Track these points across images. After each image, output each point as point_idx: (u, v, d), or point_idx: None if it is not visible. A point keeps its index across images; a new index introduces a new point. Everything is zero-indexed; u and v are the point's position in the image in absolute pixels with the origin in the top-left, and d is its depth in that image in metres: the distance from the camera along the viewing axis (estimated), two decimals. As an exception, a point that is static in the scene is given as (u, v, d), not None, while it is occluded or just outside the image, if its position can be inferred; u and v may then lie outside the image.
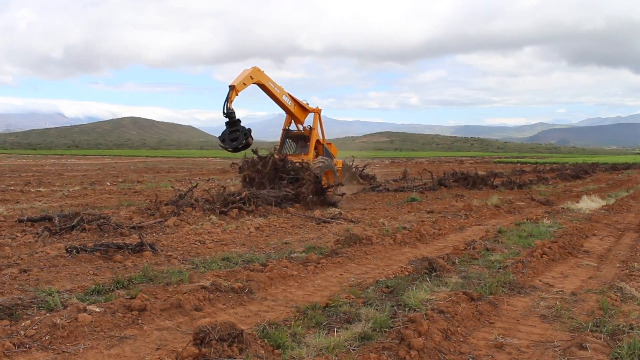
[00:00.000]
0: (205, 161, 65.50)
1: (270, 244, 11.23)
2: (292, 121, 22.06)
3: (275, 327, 5.85)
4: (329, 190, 18.85)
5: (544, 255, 9.71)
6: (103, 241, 10.36)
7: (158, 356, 5.14)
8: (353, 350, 5.35)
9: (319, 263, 9.14)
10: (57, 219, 12.50)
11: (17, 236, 11.47)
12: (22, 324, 5.75)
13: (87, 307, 6.20)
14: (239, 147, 17.98)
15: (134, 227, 12.19)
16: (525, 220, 14.85)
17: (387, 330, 5.86)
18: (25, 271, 8.40)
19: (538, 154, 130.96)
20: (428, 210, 17.19)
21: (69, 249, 9.54)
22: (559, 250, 10.29)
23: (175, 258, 9.67)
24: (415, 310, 6.46)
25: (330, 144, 23.51)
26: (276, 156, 19.04)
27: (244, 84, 18.05)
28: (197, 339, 5.03)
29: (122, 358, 5.25)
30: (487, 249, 10.50)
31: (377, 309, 6.56)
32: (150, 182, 28.41)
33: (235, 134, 17.91)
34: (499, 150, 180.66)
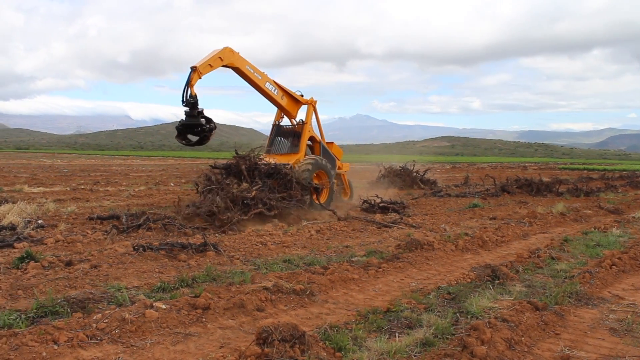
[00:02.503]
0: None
1: (331, 247, 11.27)
2: (284, 115, 19.04)
3: (337, 330, 5.87)
4: (317, 193, 16.68)
5: (613, 266, 9.36)
6: (168, 240, 10.64)
7: (221, 354, 5.25)
8: (414, 356, 5.31)
9: (380, 267, 9.12)
10: (124, 217, 12.94)
11: (87, 233, 11.93)
12: (94, 317, 5.97)
13: (154, 304, 6.39)
14: (197, 141, 15.57)
15: (197, 228, 12.46)
16: (592, 229, 14.35)
17: (449, 337, 5.79)
18: (95, 267, 8.74)
19: (606, 161, 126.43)
20: (490, 216, 16.87)
21: (136, 247, 9.85)
22: (630, 261, 9.91)
23: (238, 259, 9.84)
24: (477, 318, 6.35)
25: (332, 143, 20.19)
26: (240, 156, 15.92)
27: (210, 66, 15.30)
28: (260, 339, 5.10)
29: (186, 354, 5.37)
30: (552, 258, 10.22)
31: (438, 315, 6.49)
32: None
33: (194, 126, 15.25)
34: (565, 156, 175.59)
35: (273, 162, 16.32)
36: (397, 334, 5.89)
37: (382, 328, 6.10)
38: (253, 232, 12.52)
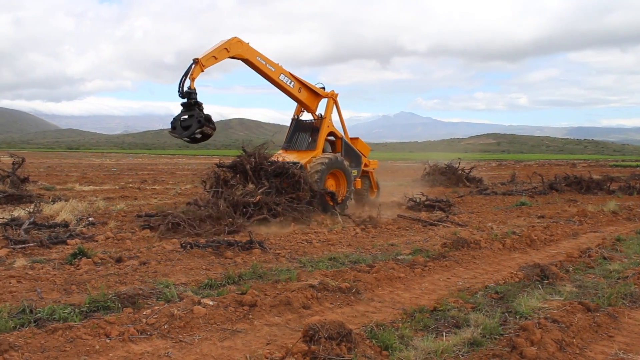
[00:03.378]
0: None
1: (376, 245, 11.23)
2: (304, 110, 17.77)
3: (383, 329, 5.85)
4: (333, 196, 15.38)
5: (669, 266, 9.08)
6: (214, 238, 10.78)
7: (268, 351, 5.29)
8: (462, 356, 5.25)
9: (426, 266, 9.05)
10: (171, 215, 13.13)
11: (136, 230, 12.19)
12: (144, 313, 6.09)
13: (202, 300, 6.49)
14: (191, 137, 13.98)
15: (243, 225, 12.58)
16: (646, 228, 13.95)
17: (497, 337, 5.70)
18: (144, 263, 8.92)
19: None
20: (539, 215, 16.55)
21: (184, 245, 10.02)
22: (686, 261, 9.59)
23: (283, 256, 9.90)
24: (526, 318, 6.23)
25: (357, 139, 19.09)
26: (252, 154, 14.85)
27: (214, 58, 14.15)
28: (307, 336, 5.11)
29: (234, 350, 5.43)
30: (604, 258, 9.96)
31: (486, 315, 6.40)
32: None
33: (191, 120, 13.83)
34: (616, 153, 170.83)
35: (286, 159, 15.56)
36: (444, 333, 5.83)
37: (429, 327, 6.05)
38: (298, 230, 12.57)
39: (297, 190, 14.18)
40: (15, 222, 11.65)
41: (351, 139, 18.53)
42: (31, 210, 13.43)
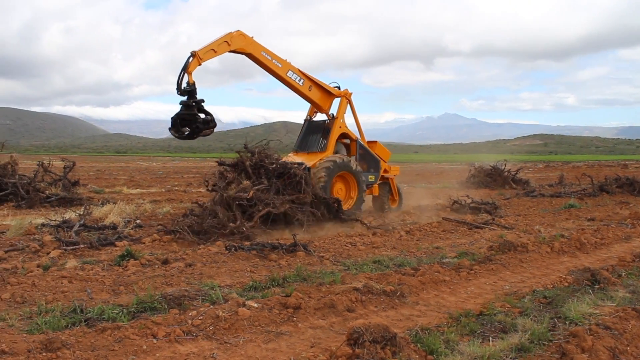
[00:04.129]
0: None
1: (421, 248, 11.13)
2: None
3: (428, 333, 5.77)
4: (338, 203, 14.12)
5: None
6: (259, 240, 10.85)
7: (312, 353, 5.29)
8: (510, 361, 5.15)
9: (471, 269, 8.91)
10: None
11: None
12: (190, 314, 6.17)
13: (246, 302, 6.53)
14: (189, 134, 13.50)
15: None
16: None
17: (545, 343, 5.56)
18: (190, 265, 9.06)
19: None
20: (588, 217, 16.12)
21: (228, 247, 10.13)
22: None
23: (328, 259, 9.90)
24: (576, 324, 6.06)
25: (375, 142, 18.06)
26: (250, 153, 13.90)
27: (213, 51, 13.49)
28: (351, 340, 5.09)
29: (278, 353, 5.44)
30: (659, 262, 9.64)
31: (534, 320, 6.24)
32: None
33: (188, 123, 13.31)
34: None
35: (291, 160, 14.89)
36: (490, 338, 5.72)
37: (475, 332, 5.95)
38: (342, 232, 12.56)
39: (298, 192, 13.29)
40: (66, 224, 11.96)
41: (369, 142, 17.64)
42: (81, 212, 13.77)
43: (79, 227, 11.62)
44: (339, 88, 16.55)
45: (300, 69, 15.57)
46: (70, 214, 14.13)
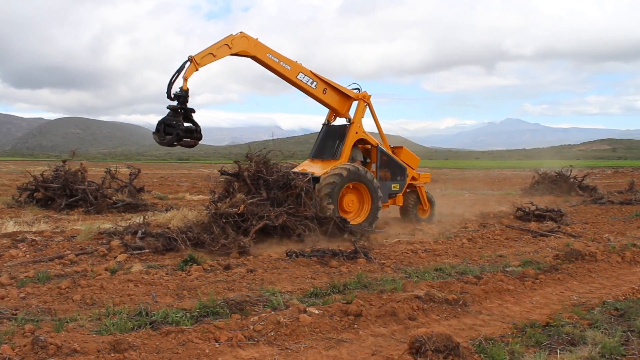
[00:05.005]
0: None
1: (483, 256, 10.90)
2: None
3: (492, 343, 5.65)
4: (344, 222, 12.70)
5: None
6: (319, 247, 10.87)
7: (374, 361, 5.25)
8: (579, 375, 4.97)
9: (537, 278, 8.66)
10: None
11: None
12: (251, 319, 6.24)
13: (307, 309, 6.54)
14: (168, 141, 12.34)
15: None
16: None
17: (618, 358, 5.34)
18: (251, 271, 9.16)
19: None
20: (662, 226, 15.45)
21: (289, 253, 10.19)
22: None
23: (388, 266, 9.83)
24: (652, 338, 5.81)
25: (401, 148, 16.51)
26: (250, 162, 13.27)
27: (212, 56, 12.50)
28: (413, 348, 5.02)
29: (339, 360, 5.43)
30: None
31: (605, 333, 6.00)
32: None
33: (172, 129, 12.30)
34: None
35: (307, 169, 14.25)
36: (558, 351, 5.53)
37: (542, 343, 5.77)
38: (404, 240, 12.44)
39: (299, 205, 12.29)
40: (132, 230, 12.26)
41: (395, 147, 16.32)
42: (146, 218, 14.11)
43: (142, 233, 11.86)
44: (358, 90, 15.33)
45: (314, 72, 14.50)
46: (136, 219, 14.50)
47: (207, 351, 5.41)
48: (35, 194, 18.84)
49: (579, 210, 20.55)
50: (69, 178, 18.58)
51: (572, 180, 28.51)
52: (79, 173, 19.28)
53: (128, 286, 8.05)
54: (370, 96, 15.24)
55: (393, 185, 15.49)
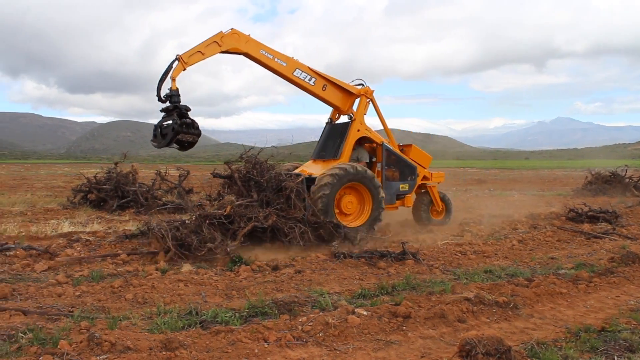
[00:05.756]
0: (462, 171, 64.79)
1: (534, 258, 10.66)
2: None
3: (545, 347, 5.52)
4: (337, 228, 11.83)
5: None
6: (367, 248, 10.84)
7: (423, 364, 5.19)
8: (637, 381, 4.80)
9: (590, 282, 8.42)
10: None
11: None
12: (300, 320, 6.26)
13: (356, 310, 6.52)
14: (167, 140, 11.86)
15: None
16: None
17: (679, 365, 5.15)
18: (299, 272, 9.20)
19: None
20: None
21: (337, 254, 10.19)
22: None
23: (437, 268, 9.72)
24: None
25: (410, 145, 15.56)
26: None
27: (201, 54, 11.99)
28: (463, 351, 4.95)
29: (388, 362, 5.40)
30: None
31: (665, 339, 5.80)
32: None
33: (168, 128, 11.90)
34: None
35: (307, 170, 13.80)
36: (615, 357, 5.37)
37: (597, 349, 5.60)
38: (452, 241, 12.30)
39: (289, 207, 11.64)
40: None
41: (404, 145, 15.52)
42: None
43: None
44: (363, 86, 14.57)
45: (313, 68, 13.84)
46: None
47: (256, 351, 5.45)
48: (88, 196, 19.32)
49: (635, 211, 19.87)
50: (121, 180, 19.04)
51: (627, 180, 27.67)
52: (130, 175, 19.70)
53: (178, 286, 8.20)
54: (372, 91, 14.51)
55: (401, 185, 14.68)
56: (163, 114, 12.04)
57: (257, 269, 9.35)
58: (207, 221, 10.71)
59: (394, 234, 13.60)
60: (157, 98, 11.80)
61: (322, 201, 12.30)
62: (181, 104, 11.87)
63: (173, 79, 11.68)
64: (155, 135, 12.19)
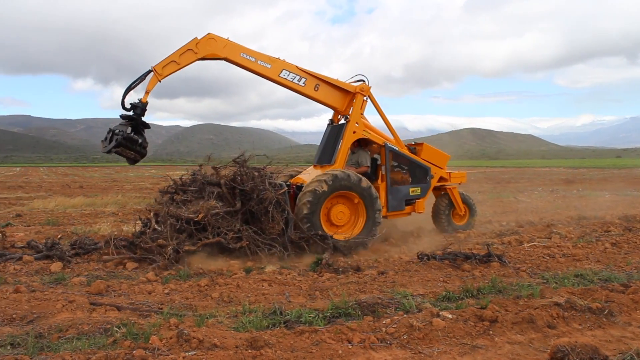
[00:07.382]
0: (548, 171, 62.62)
1: (630, 263, 10.11)
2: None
3: (645, 358, 5.22)
4: (323, 239, 11.02)
5: None
6: (451, 250, 10.66)
7: (512, 370, 5.03)
8: None
9: (694, 288, 7.91)
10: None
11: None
12: (383, 322, 6.21)
13: (440, 313, 6.42)
14: (108, 148, 11.28)
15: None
16: None
17: None
18: (382, 273, 9.15)
19: None
20: None
21: (420, 256, 10.07)
22: None
23: (524, 271, 9.41)
24: None
25: (422, 144, 14.30)
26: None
27: (176, 64, 11.34)
28: (555, 358, 4.77)
29: (474, 367, 5.27)
30: None
31: None
32: (491, 193, 28.18)
33: (115, 136, 11.24)
34: None
35: (302, 177, 13.10)
36: None
37: None
38: (539, 243, 11.88)
39: (269, 221, 10.86)
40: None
41: (415, 144, 14.29)
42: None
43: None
44: (364, 82, 13.35)
45: (302, 67, 12.83)
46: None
47: (340, 352, 5.44)
48: (174, 197, 19.93)
49: None
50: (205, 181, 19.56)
51: None
52: (214, 177, 20.18)
53: (262, 285, 8.34)
54: (370, 88, 13.19)
55: (412, 189, 13.33)
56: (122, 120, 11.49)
57: (340, 269, 9.37)
58: (169, 221, 10.47)
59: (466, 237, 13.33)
60: (121, 105, 11.24)
61: (305, 212, 11.30)
62: (143, 118, 11.44)
63: (147, 92, 11.21)
64: (105, 138, 11.61)
